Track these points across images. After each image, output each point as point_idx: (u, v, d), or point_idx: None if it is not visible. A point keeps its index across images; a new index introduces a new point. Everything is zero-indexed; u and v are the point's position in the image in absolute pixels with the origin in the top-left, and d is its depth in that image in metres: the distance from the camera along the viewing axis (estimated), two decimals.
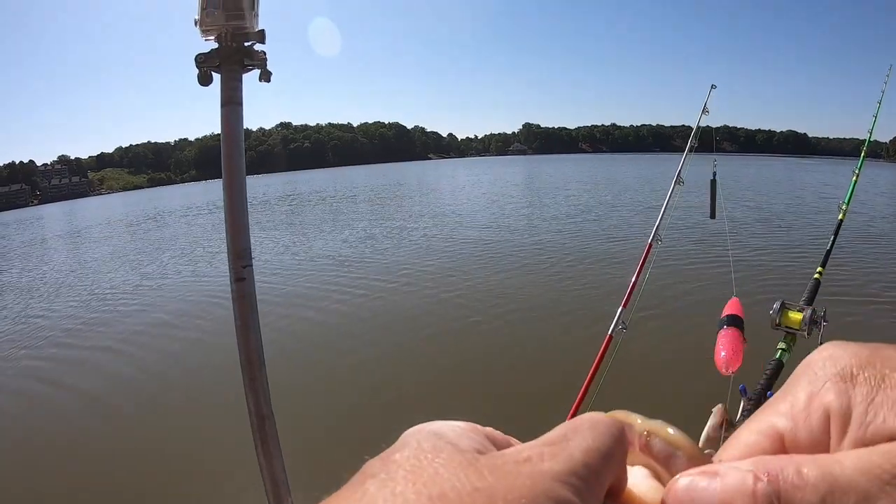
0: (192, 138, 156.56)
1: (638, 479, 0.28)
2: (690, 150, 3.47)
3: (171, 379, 6.65)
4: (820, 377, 0.27)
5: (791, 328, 2.12)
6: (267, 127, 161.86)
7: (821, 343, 0.30)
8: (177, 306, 9.94)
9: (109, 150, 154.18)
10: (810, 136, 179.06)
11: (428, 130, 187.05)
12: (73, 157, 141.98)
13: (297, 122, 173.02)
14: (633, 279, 3.08)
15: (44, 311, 10.71)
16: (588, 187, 33.04)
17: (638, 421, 0.29)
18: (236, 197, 1.49)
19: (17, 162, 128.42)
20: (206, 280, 12.13)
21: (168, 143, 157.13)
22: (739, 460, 0.25)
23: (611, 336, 2.92)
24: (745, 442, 0.27)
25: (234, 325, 1.51)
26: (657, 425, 0.29)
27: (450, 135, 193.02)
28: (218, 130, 1.51)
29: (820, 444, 0.25)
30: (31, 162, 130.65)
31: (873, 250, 11.49)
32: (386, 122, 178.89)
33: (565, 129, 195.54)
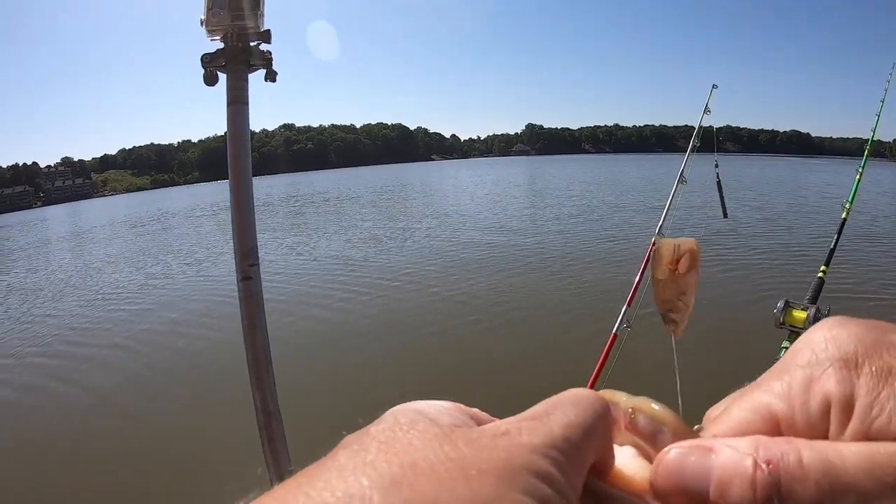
0: (195, 140, 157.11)
1: (626, 458, 0.28)
2: (693, 150, 3.47)
3: (176, 377, 6.67)
4: (821, 360, 0.25)
5: (795, 327, 2.13)
6: (270, 128, 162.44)
7: None
8: (182, 306, 9.97)
9: (112, 151, 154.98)
10: (813, 135, 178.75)
11: (431, 131, 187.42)
12: (76, 159, 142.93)
13: (299, 123, 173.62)
14: (638, 278, 3.09)
15: (50, 311, 10.74)
16: (591, 188, 32.99)
17: (623, 398, 0.29)
18: (242, 197, 1.50)
19: (20, 164, 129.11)
20: (211, 280, 12.16)
21: (171, 145, 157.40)
22: (734, 438, 0.25)
23: (615, 334, 2.92)
24: (737, 419, 0.26)
25: (240, 324, 1.52)
26: (641, 401, 0.28)
27: (453, 136, 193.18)
28: (221, 132, 1.53)
29: (818, 430, 0.24)
30: (35, 164, 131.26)
31: (877, 249, 11.45)
32: (389, 124, 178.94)
33: (568, 129, 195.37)
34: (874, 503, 0.21)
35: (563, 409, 0.25)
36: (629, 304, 2.98)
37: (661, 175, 38.86)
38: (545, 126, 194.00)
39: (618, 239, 13.73)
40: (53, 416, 5.92)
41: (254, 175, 1.56)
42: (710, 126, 3.53)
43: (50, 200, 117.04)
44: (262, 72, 1.52)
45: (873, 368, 0.24)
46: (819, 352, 0.26)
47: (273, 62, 1.52)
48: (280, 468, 1.57)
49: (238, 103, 1.48)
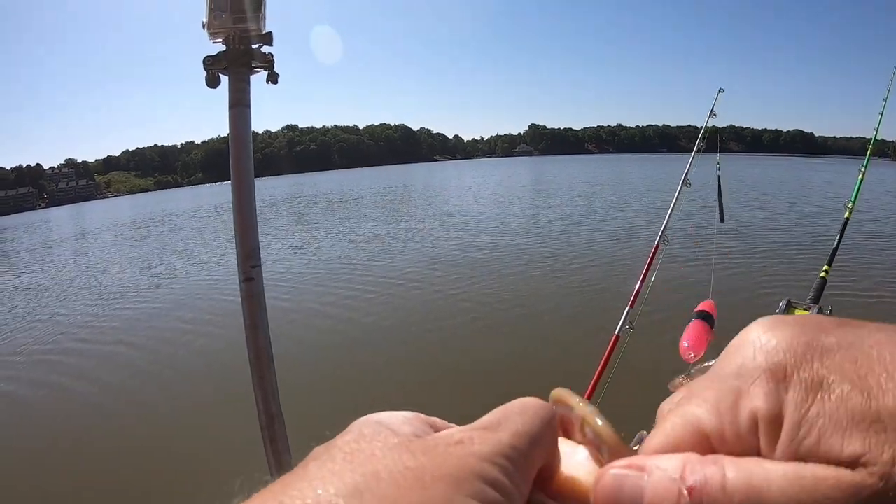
0: (198, 141, 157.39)
1: (581, 459, 0.29)
2: (698, 152, 3.47)
3: (178, 377, 6.69)
4: (750, 370, 0.25)
5: None
6: (273, 129, 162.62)
7: None
8: (185, 306, 9.99)
9: (116, 153, 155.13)
10: (817, 135, 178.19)
11: (434, 132, 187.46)
12: (80, 160, 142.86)
13: (302, 124, 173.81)
14: (640, 279, 3.09)
15: (54, 311, 10.79)
16: (594, 188, 32.95)
17: (576, 403, 0.30)
18: (245, 198, 1.50)
19: (24, 165, 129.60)
20: (215, 280, 12.19)
21: (174, 146, 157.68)
22: (665, 455, 0.25)
23: (618, 336, 2.92)
24: (671, 435, 0.26)
25: (242, 324, 1.53)
26: (588, 413, 0.29)
27: (456, 136, 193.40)
28: (224, 133, 1.53)
29: (749, 445, 0.24)
30: (39, 165, 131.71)
31: (879, 248, 11.42)
32: (392, 124, 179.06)
33: (571, 129, 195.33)
34: None
35: (512, 418, 0.27)
36: (632, 306, 2.98)
37: (664, 175, 38.82)
38: (548, 126, 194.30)
39: (621, 240, 13.71)
40: (56, 415, 5.95)
41: (257, 176, 1.56)
42: (714, 126, 3.54)
43: (54, 202, 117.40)
44: (263, 74, 1.53)
45: (802, 381, 0.23)
46: (748, 360, 0.26)
47: (275, 64, 1.52)
48: (282, 469, 1.57)
49: (240, 106, 1.49)
